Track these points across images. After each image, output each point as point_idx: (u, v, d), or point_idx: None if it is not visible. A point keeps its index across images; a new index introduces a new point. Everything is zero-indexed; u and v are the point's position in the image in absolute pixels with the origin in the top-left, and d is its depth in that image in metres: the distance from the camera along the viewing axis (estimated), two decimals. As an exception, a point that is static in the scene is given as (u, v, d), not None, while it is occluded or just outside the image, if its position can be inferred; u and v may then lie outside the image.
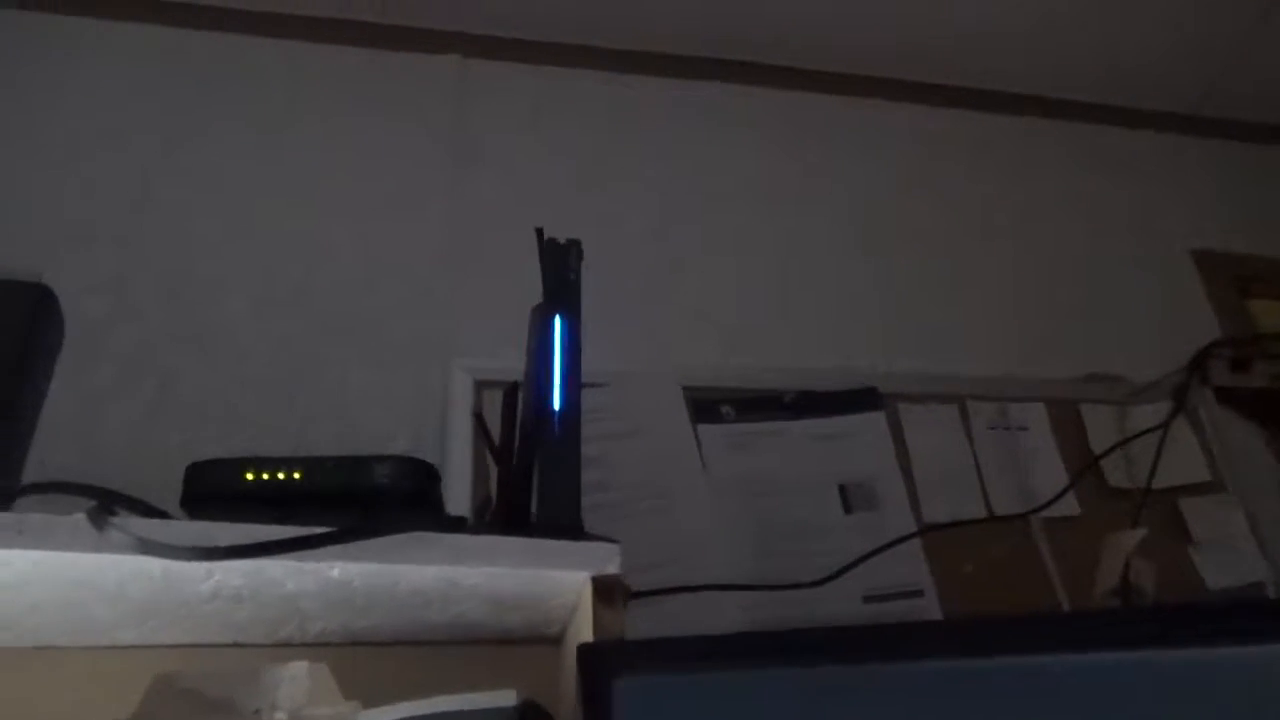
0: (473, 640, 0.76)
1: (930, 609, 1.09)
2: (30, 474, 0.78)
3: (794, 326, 1.31)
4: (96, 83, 1.30)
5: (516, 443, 0.73)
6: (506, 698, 0.61)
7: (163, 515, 0.62)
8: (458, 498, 1.07)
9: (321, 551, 0.59)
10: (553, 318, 0.72)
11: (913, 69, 1.57)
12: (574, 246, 0.78)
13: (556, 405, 0.70)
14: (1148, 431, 1.23)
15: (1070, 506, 1.19)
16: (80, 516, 0.55)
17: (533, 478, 0.70)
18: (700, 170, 1.43)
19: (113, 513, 0.59)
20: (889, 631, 0.58)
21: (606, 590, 0.64)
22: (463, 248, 1.28)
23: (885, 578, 1.10)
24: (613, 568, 0.65)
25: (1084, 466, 1.21)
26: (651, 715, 0.55)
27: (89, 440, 1.08)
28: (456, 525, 0.69)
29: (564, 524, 0.66)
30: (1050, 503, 1.17)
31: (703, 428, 1.16)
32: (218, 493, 0.67)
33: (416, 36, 1.45)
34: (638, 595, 0.95)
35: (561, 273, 0.74)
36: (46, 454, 1.02)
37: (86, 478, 0.78)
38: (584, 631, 0.65)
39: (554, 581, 0.65)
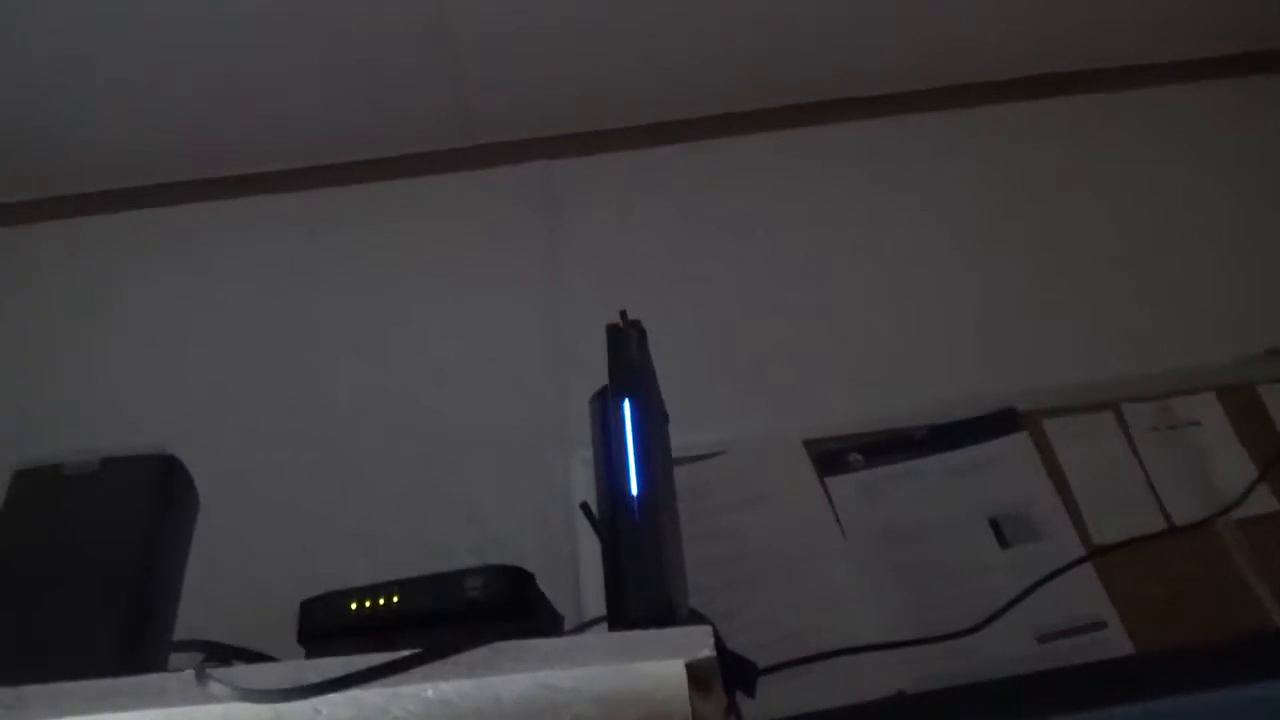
0: (600, 742, 0.74)
1: (1117, 641, 0.98)
2: (202, 625, 0.84)
3: (920, 358, 1.25)
4: (220, 262, 1.44)
5: (606, 537, 0.72)
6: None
7: (268, 659, 0.65)
8: (592, 590, 1.07)
9: (411, 674, 0.60)
10: (617, 402, 0.71)
11: (1001, 67, 1.49)
12: (633, 327, 0.77)
13: (634, 490, 0.69)
14: (1346, 401, 1.08)
15: (1266, 502, 1.05)
16: (188, 673, 0.59)
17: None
18: (800, 219, 1.41)
19: (227, 663, 0.62)
20: (981, 691, 0.52)
21: (702, 677, 0.62)
22: (571, 342, 1.31)
23: (1060, 613, 1.00)
24: (706, 651, 0.62)
25: (1275, 455, 1.07)
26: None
27: (254, 584, 1.16)
28: (554, 626, 0.69)
29: (653, 613, 0.64)
30: (1239, 502, 1.04)
31: (831, 480, 1.12)
32: (328, 626, 0.70)
33: (503, 150, 1.51)
34: (774, 669, 0.92)
35: (621, 355, 0.74)
36: (215, 606, 1.11)
37: (253, 621, 0.85)
38: (692, 723, 0.62)
39: (649, 674, 0.63)
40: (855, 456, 1.13)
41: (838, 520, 1.09)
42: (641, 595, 0.64)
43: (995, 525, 1.07)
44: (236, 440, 1.26)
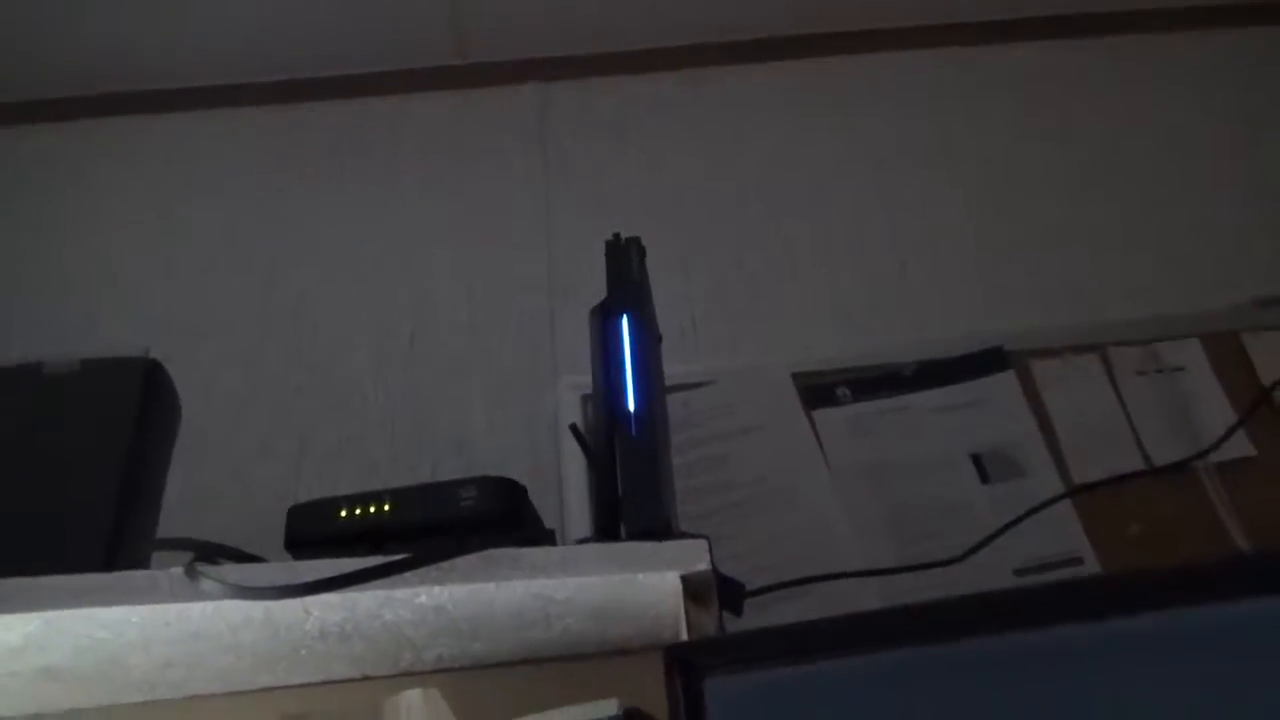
0: (589, 654, 0.75)
1: (1092, 576, 1.00)
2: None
3: (913, 296, 1.25)
4: (206, 175, 1.40)
5: (601, 451, 0.72)
6: (607, 708, 0.60)
7: (256, 559, 0.64)
8: (577, 514, 1.07)
9: (405, 578, 0.59)
10: (617, 318, 0.71)
11: (1005, 6, 1.47)
12: (633, 244, 0.76)
13: (631, 405, 0.69)
14: (1327, 351, 1.10)
15: (1243, 447, 1.07)
16: (177, 570, 0.58)
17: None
18: (796, 152, 1.39)
19: (215, 562, 0.62)
20: (984, 601, 0.53)
21: (698, 589, 0.62)
22: (560, 269, 1.29)
23: (1038, 548, 1.01)
24: (702, 565, 0.62)
25: (1254, 401, 1.08)
26: (749, 715, 0.52)
27: (243, 503, 1.15)
28: (546, 540, 0.68)
29: (650, 526, 0.64)
30: (1216, 445, 1.05)
31: (818, 413, 1.12)
32: (316, 534, 0.69)
33: (497, 71, 1.47)
34: (759, 592, 0.93)
35: (622, 271, 0.73)
36: (205, 521, 1.10)
37: (242, 539, 0.84)
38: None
39: (645, 586, 0.64)
40: (843, 390, 1.13)
41: (823, 452, 1.09)
42: (639, 508, 0.64)
43: (978, 461, 1.08)
44: (224, 357, 1.24)
